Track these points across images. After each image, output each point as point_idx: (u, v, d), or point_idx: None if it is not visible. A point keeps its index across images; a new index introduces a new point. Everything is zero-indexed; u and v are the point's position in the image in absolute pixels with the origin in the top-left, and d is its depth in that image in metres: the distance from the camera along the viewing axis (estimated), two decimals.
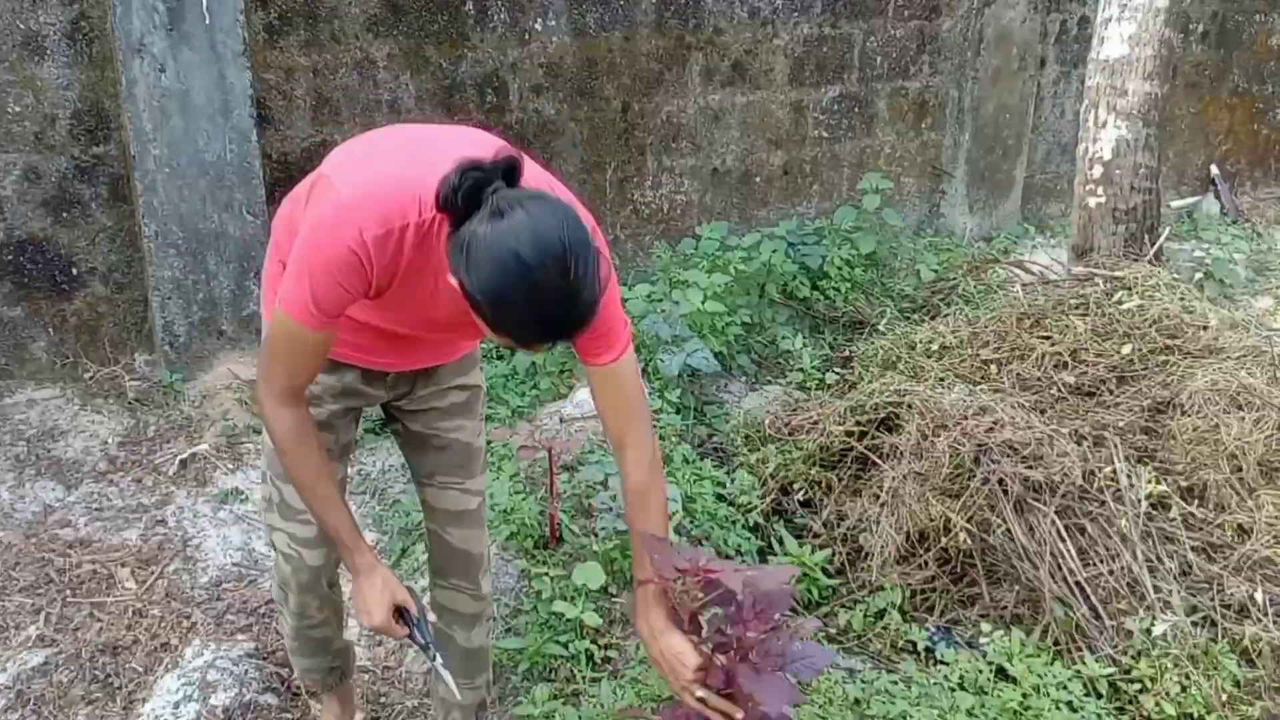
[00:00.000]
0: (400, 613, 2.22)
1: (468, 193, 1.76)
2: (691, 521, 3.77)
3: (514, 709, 3.01)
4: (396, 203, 1.88)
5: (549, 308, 1.73)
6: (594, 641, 3.24)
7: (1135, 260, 4.65)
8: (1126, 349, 4.19)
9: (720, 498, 3.99)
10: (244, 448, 4.17)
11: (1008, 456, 3.67)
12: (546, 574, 3.46)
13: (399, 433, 2.54)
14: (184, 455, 4.05)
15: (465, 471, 2.53)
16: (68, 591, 3.42)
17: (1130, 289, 4.47)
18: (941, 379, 4.28)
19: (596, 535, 3.61)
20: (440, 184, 1.79)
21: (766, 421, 4.55)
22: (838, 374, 4.92)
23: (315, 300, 1.92)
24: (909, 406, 3.97)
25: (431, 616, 2.34)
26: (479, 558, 2.62)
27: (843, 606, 3.64)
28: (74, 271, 4.27)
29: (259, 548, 3.74)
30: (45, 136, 4.09)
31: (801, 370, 5.06)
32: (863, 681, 3.18)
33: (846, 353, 5.26)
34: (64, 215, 4.20)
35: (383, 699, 3.20)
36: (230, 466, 4.08)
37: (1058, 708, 3.06)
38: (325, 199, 1.99)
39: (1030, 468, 3.63)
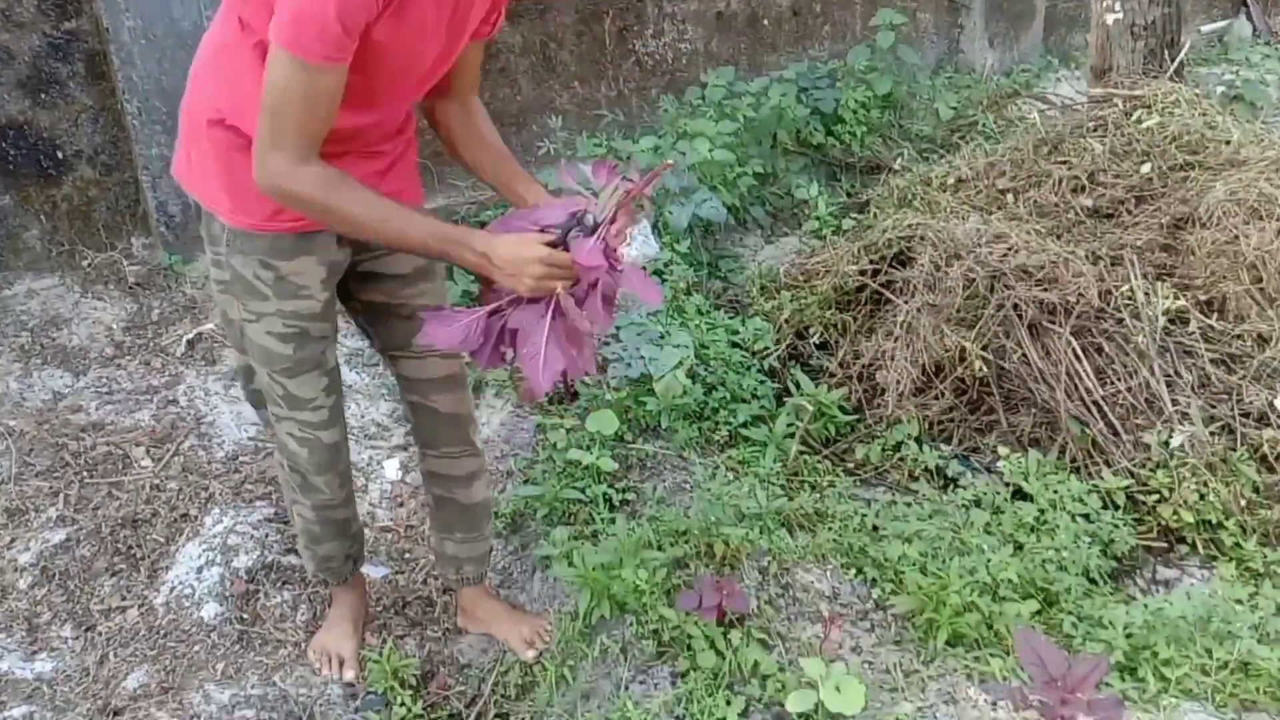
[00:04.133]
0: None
1: None
2: (705, 368, 3.98)
3: (536, 550, 3.26)
4: None
5: None
6: (611, 485, 3.47)
7: (1155, 78, 4.74)
8: (1145, 168, 4.32)
9: (735, 344, 4.20)
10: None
11: (1022, 281, 3.84)
12: (562, 425, 3.69)
13: (359, 309, 2.65)
14: (190, 336, 4.27)
15: None
16: (84, 473, 3.67)
17: (1149, 107, 4.57)
18: (956, 211, 4.43)
19: (609, 385, 3.83)
20: None
21: (781, 270, 4.73)
22: (854, 219, 5.07)
23: (341, 14, 1.90)
24: (922, 239, 4.14)
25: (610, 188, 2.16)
26: (469, 417, 2.82)
27: (860, 442, 3.86)
28: (60, 155, 4.45)
29: None
30: (13, 14, 4.23)
31: (817, 219, 5.21)
32: (878, 506, 3.41)
33: (863, 198, 5.40)
34: (42, 96, 4.36)
35: (406, 555, 3.46)
36: (227, 336, 4.30)
37: (1074, 520, 3.28)
38: None
39: (1045, 291, 3.80)
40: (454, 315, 2.20)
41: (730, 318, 4.39)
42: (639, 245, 4.64)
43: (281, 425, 2.61)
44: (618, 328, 4.01)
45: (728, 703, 2.61)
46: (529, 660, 2.97)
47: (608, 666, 2.83)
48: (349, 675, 2.97)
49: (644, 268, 4.44)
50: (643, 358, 3.87)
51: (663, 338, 3.98)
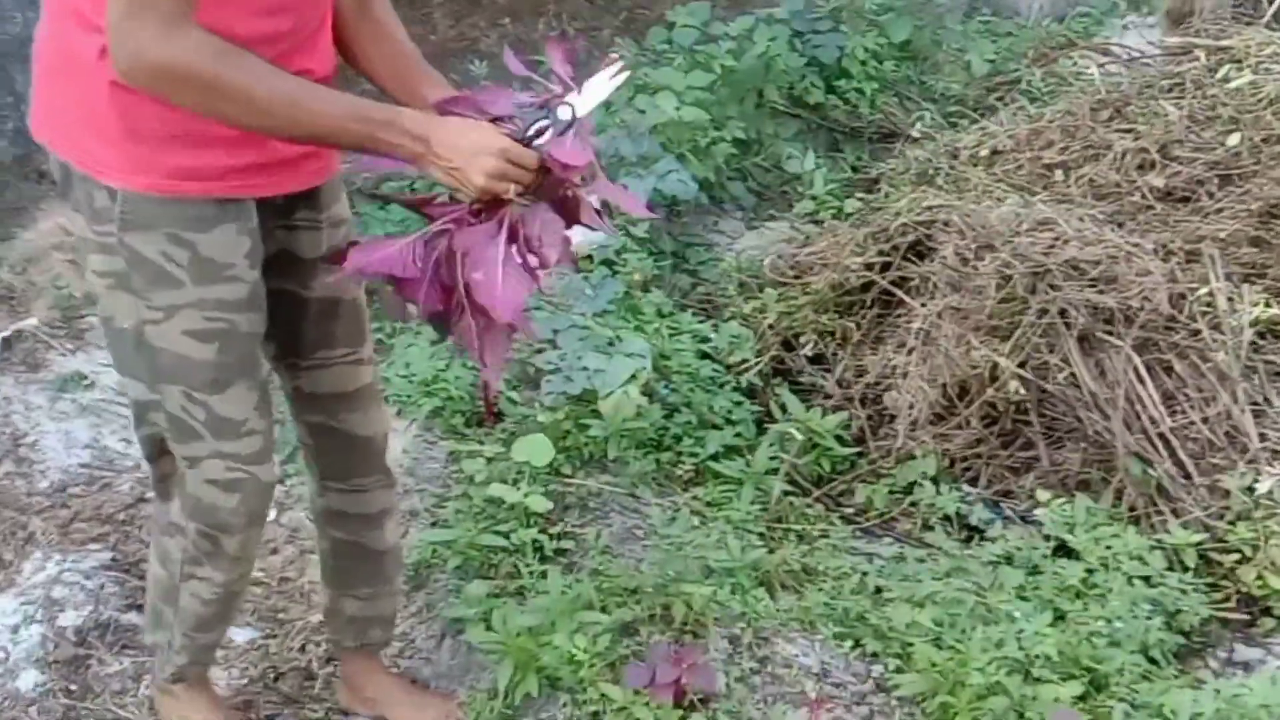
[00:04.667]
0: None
1: None
2: (666, 384, 4.02)
3: (445, 611, 3.29)
4: None
5: None
6: (543, 530, 3.50)
7: (1248, 24, 4.85)
8: (1233, 139, 4.41)
9: (705, 355, 4.24)
10: (85, 322, 4.39)
11: (1071, 280, 3.91)
12: (481, 454, 3.72)
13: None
14: (7, 334, 4.26)
15: (357, 337, 2.68)
16: None
17: (1240, 62, 4.67)
18: (989, 191, 4.50)
19: (542, 404, 3.87)
20: None
21: (766, 264, 4.79)
22: (861, 200, 5.13)
23: None
24: (945, 225, 4.20)
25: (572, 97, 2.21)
26: (384, 438, 2.84)
27: (862, 481, 3.92)
28: None
29: (112, 444, 3.97)
30: None
31: (813, 198, 5.26)
32: (881, 562, 3.47)
33: (873, 173, 5.47)
34: None
35: (279, 615, 3.47)
36: (69, 346, 4.30)
37: (1131, 583, 3.34)
38: None
39: (1101, 293, 3.87)
40: (384, 241, 2.22)
41: (700, 321, 4.43)
42: (584, 229, 4.67)
43: (200, 470, 2.49)
44: (555, 331, 4.05)
45: None
46: None
47: None
48: None
49: (587, 256, 4.49)
50: (586, 369, 3.90)
51: (612, 344, 4.01)
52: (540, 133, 2.14)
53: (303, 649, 3.35)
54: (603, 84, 2.20)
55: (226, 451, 2.45)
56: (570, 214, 2.21)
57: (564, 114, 2.15)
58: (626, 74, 2.21)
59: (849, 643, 3.17)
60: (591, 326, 4.07)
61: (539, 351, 4.03)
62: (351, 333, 2.65)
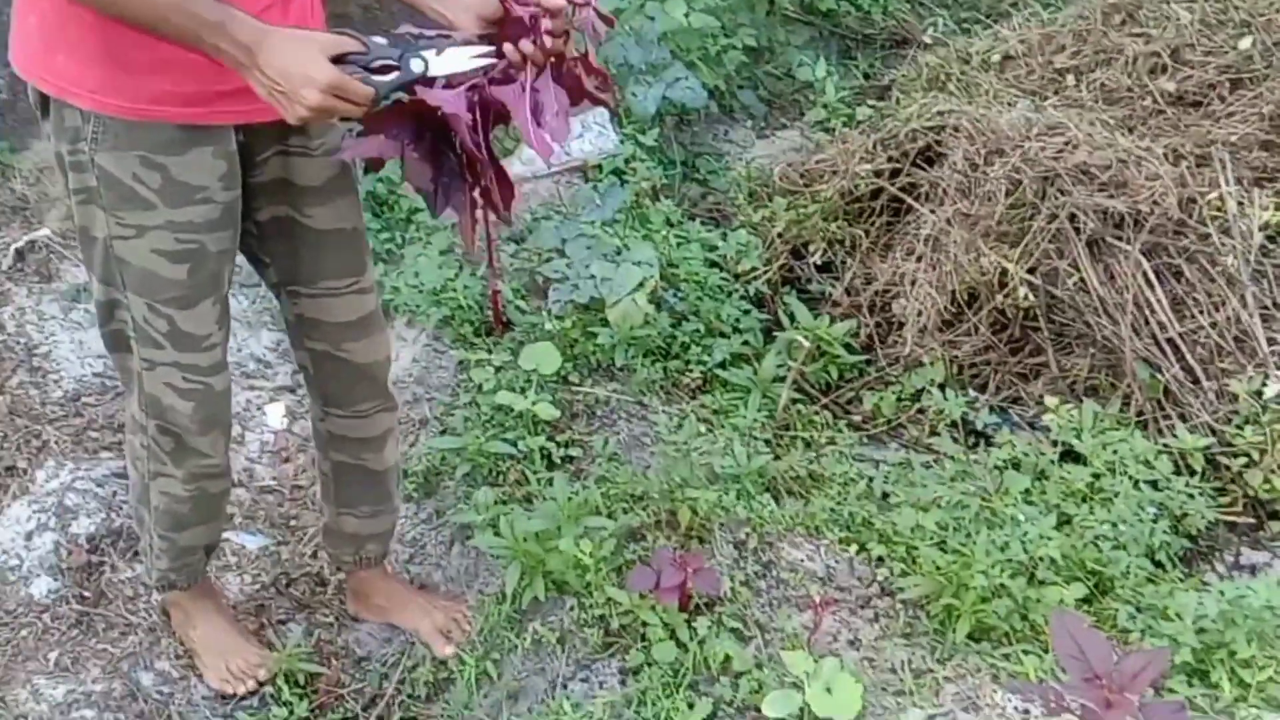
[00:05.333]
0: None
1: None
2: (674, 292, 4.02)
3: (454, 517, 3.31)
4: None
5: None
6: (550, 438, 3.52)
7: None
8: (1245, 42, 4.36)
9: (713, 264, 4.23)
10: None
11: (1081, 185, 3.88)
12: (489, 362, 3.72)
13: (253, 231, 2.60)
14: (19, 244, 4.26)
15: (358, 265, 2.67)
16: None
17: None
18: (1000, 96, 4.47)
19: (550, 313, 3.87)
20: None
21: (776, 172, 4.76)
22: (872, 107, 5.10)
23: None
24: (955, 130, 4.18)
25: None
26: (386, 363, 2.85)
27: (869, 389, 3.92)
28: None
29: None
30: None
31: (825, 106, 5.24)
32: (887, 468, 3.48)
33: (885, 80, 5.43)
34: None
35: (292, 522, 3.50)
36: (81, 257, 4.29)
37: (1137, 488, 3.34)
38: None
39: (1111, 198, 3.85)
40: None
41: (708, 230, 4.42)
42: (593, 138, 4.66)
43: (157, 374, 2.53)
44: (563, 240, 4.04)
45: (690, 705, 2.68)
46: (445, 656, 3.02)
47: (541, 660, 2.89)
48: (263, 675, 3.01)
49: (596, 165, 4.48)
50: (593, 278, 3.90)
51: (620, 253, 4.01)
52: (385, 70, 2.09)
53: (314, 555, 3.38)
54: (462, 58, 2.13)
55: (185, 363, 2.51)
56: (573, 92, 2.20)
57: (415, 67, 2.10)
58: (490, 62, 2.14)
59: (854, 547, 3.19)
60: (599, 235, 4.07)
61: (547, 260, 4.03)
62: (353, 262, 2.65)
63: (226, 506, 2.98)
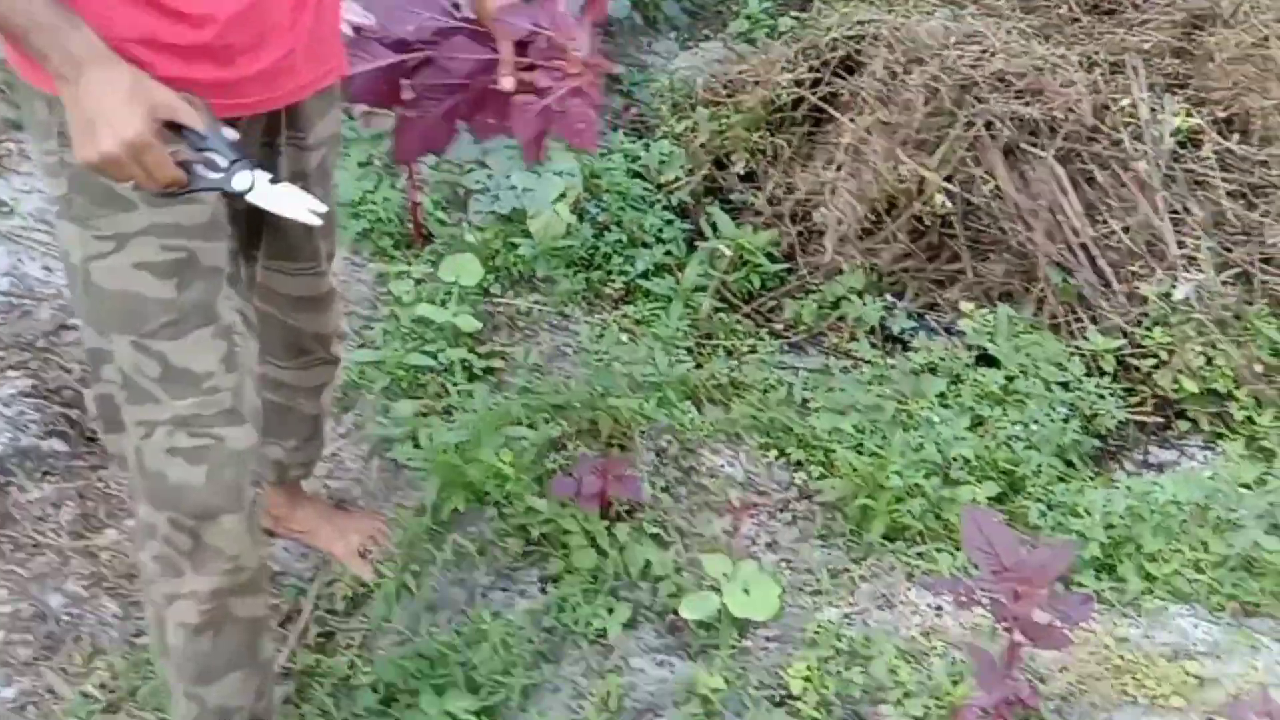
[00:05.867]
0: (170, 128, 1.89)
1: None
2: (596, 203, 4.02)
3: (373, 430, 3.31)
4: None
5: None
6: (471, 350, 3.51)
7: None
8: None
9: (635, 174, 4.24)
10: (3, 148, 4.32)
11: (998, 93, 3.91)
12: (409, 275, 3.71)
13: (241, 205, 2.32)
14: None
15: (325, 250, 2.57)
16: None
17: None
18: (919, 6, 4.48)
19: (471, 224, 3.86)
20: None
21: (699, 83, 4.76)
22: (795, 19, 5.09)
23: None
24: (875, 39, 4.18)
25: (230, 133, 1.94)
26: (334, 332, 2.77)
27: (791, 297, 3.94)
28: None
29: (32, 271, 3.91)
30: None
31: (748, 18, 5.22)
32: (807, 375, 3.51)
33: None
34: None
35: None
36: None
37: (1049, 389, 3.40)
38: None
39: (1027, 105, 3.88)
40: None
41: (631, 141, 4.42)
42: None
43: (156, 441, 2.11)
44: (483, 150, 4.02)
45: (609, 610, 2.71)
46: (366, 579, 2.98)
47: (462, 571, 2.90)
48: None
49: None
50: (515, 188, 3.90)
51: (541, 163, 3.99)
52: (209, 164, 1.89)
53: None
54: (288, 201, 1.95)
55: (185, 414, 2.08)
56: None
57: (238, 183, 1.90)
58: (315, 221, 1.99)
59: (773, 452, 3.23)
60: (520, 147, 4.03)
61: (468, 171, 4.01)
62: (318, 248, 2.53)
63: (272, 652, 2.47)
